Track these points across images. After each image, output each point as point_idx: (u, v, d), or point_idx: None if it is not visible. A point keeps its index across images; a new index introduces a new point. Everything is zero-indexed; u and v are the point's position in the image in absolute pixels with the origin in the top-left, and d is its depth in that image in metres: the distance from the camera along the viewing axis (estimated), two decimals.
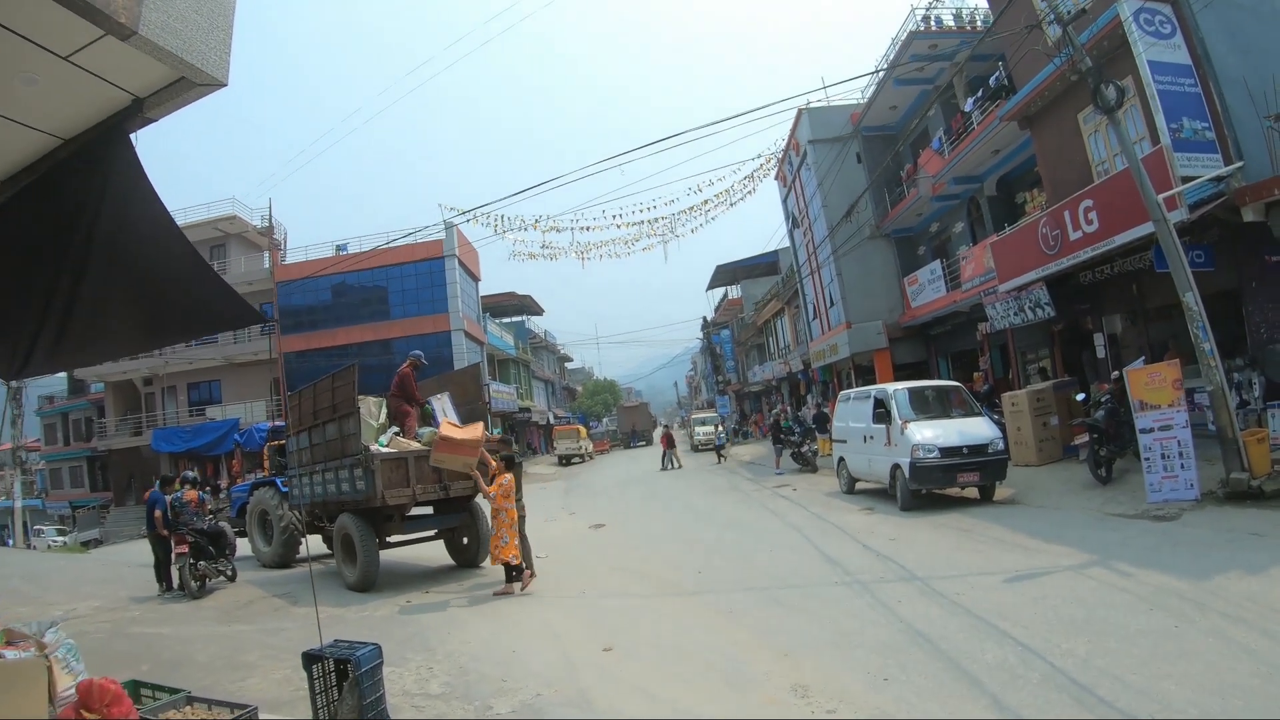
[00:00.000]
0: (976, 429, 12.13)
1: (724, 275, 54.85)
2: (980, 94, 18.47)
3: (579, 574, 10.06)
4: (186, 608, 10.17)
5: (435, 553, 11.76)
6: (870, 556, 8.98)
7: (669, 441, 30.02)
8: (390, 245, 37.48)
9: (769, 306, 41.32)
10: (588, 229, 25.63)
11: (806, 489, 16.09)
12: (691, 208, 26.73)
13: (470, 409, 11.84)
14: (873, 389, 13.34)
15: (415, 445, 10.72)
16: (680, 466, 27.65)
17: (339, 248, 39.16)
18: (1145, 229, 11.17)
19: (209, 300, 4.84)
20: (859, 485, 14.35)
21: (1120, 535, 8.73)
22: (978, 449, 11.83)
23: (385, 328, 36.28)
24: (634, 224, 26.30)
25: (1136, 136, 13.93)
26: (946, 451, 11.64)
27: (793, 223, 31.68)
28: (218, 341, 38.74)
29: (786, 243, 46.39)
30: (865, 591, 7.45)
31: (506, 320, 56.39)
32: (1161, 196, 10.28)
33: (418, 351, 11.70)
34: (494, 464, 9.68)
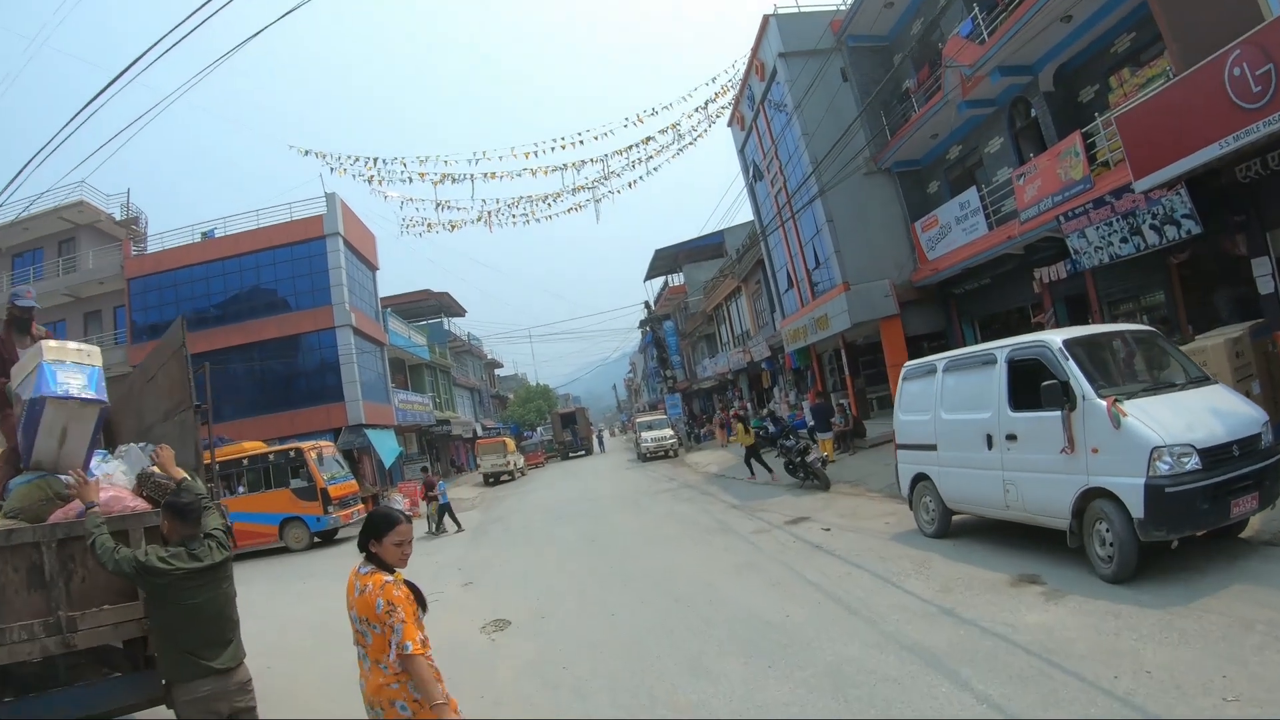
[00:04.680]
0: (1229, 406, 6.12)
1: (664, 262, 48.85)
2: None
3: None
4: None
5: None
6: None
7: (424, 491, 19.53)
8: (262, 226, 30.77)
9: (722, 287, 35.24)
10: (494, 176, 19.05)
11: (845, 526, 9.80)
12: (630, 146, 20.56)
13: (179, 421, 5.21)
14: (1000, 346, 7.11)
15: None
16: (456, 529, 17.47)
17: (205, 234, 31.81)
18: None
19: None
20: (956, 518, 8.18)
21: None
22: (1247, 445, 5.82)
23: (258, 327, 28.92)
24: (554, 169, 19.97)
25: None
26: (1210, 456, 5.56)
27: (754, 174, 25.59)
28: None
29: (731, 222, 40.69)
30: None
31: (423, 322, 49.17)
32: None
33: (21, 287, 5.09)
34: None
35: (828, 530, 9.61)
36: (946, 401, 7.77)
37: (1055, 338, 6.51)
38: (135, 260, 30.49)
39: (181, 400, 4.87)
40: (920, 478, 8.34)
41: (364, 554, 3.28)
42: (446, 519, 17.77)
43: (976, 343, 16.87)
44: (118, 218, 31.84)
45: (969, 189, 16.31)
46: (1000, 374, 6.92)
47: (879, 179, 19.40)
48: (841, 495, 12.65)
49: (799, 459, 14.36)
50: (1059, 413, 6.14)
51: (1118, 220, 11.83)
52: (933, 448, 7.97)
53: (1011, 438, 6.75)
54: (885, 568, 7.13)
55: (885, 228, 19.04)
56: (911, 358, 18.22)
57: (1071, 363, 6.21)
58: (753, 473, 18.02)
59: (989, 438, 7.02)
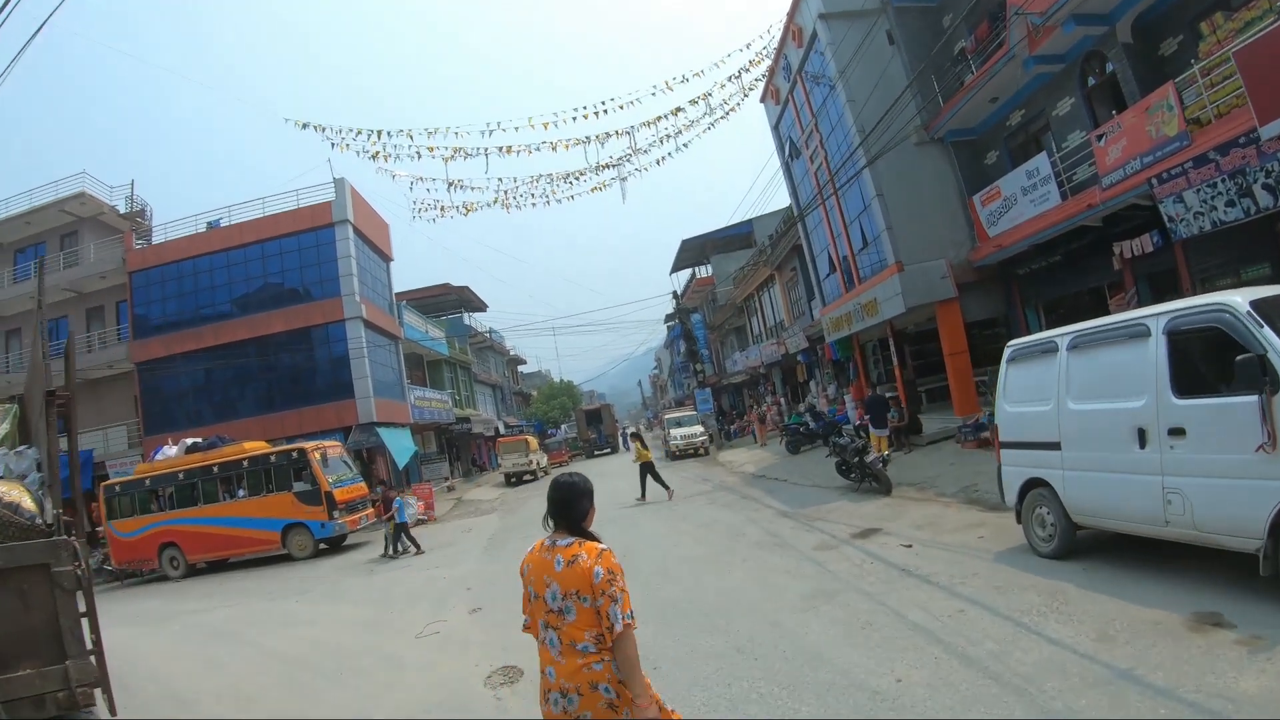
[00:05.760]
0: None
1: (691, 253, 47.26)
2: None
3: None
4: None
5: None
6: None
7: (382, 509, 16.37)
8: (267, 215, 29.50)
9: (754, 276, 33.59)
10: (509, 150, 17.60)
11: (929, 541, 8.17)
12: (658, 118, 19.01)
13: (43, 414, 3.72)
14: (1153, 314, 5.46)
15: None
16: (415, 550, 14.85)
17: (210, 224, 30.66)
18: None
19: None
20: (1079, 534, 6.55)
21: None
22: None
23: (264, 320, 27.65)
24: (576, 142, 18.49)
25: None
26: None
27: (790, 152, 23.93)
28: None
29: (762, 210, 38.93)
30: None
31: (443, 317, 47.99)
32: None
33: None
34: None
35: (909, 547, 7.99)
36: (1074, 388, 6.14)
37: (1239, 298, 4.88)
38: (137, 253, 29.39)
39: (38, 385, 3.40)
40: (1034, 483, 6.71)
41: (560, 526, 2.96)
42: (413, 536, 15.70)
43: (1041, 329, 15.21)
44: (121, 210, 30.82)
45: (1037, 156, 14.57)
46: (1157, 349, 5.30)
47: (931, 150, 17.69)
48: (909, 501, 11.02)
49: (855, 459, 12.74)
50: (1255, 398, 4.52)
51: (1223, 180, 10.22)
52: (1055, 446, 6.34)
53: (1176, 432, 5.13)
54: (1007, 603, 5.51)
55: (940, 202, 17.34)
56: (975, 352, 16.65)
57: (1268, 330, 4.58)
58: (643, 494, 16.89)
59: (1141, 433, 5.40)
